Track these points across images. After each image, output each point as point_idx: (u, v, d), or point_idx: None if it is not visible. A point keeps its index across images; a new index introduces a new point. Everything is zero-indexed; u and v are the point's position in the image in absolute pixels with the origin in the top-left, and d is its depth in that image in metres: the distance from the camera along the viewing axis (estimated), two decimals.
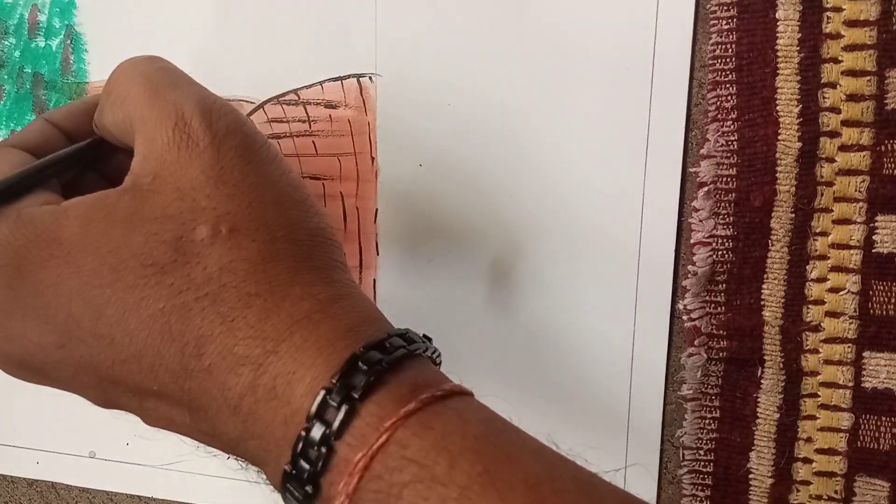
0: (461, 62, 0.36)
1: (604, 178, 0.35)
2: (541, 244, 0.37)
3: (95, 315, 0.24)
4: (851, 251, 0.33)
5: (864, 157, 0.32)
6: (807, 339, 0.34)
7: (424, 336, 0.26)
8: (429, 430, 0.21)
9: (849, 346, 0.34)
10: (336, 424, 0.22)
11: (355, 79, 0.38)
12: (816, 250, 0.33)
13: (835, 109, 0.32)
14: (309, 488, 0.22)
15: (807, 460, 0.35)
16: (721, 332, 0.35)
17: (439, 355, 0.26)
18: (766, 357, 0.35)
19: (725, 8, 0.33)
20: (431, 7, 0.36)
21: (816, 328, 0.34)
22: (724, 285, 0.35)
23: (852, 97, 0.32)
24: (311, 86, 0.38)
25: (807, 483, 0.35)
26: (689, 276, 0.35)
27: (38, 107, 0.42)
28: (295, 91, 0.38)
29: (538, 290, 0.37)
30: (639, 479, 0.37)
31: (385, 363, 0.23)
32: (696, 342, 0.35)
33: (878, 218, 0.33)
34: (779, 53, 0.32)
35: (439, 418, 0.22)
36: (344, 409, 0.22)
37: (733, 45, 0.33)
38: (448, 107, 0.37)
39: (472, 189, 0.37)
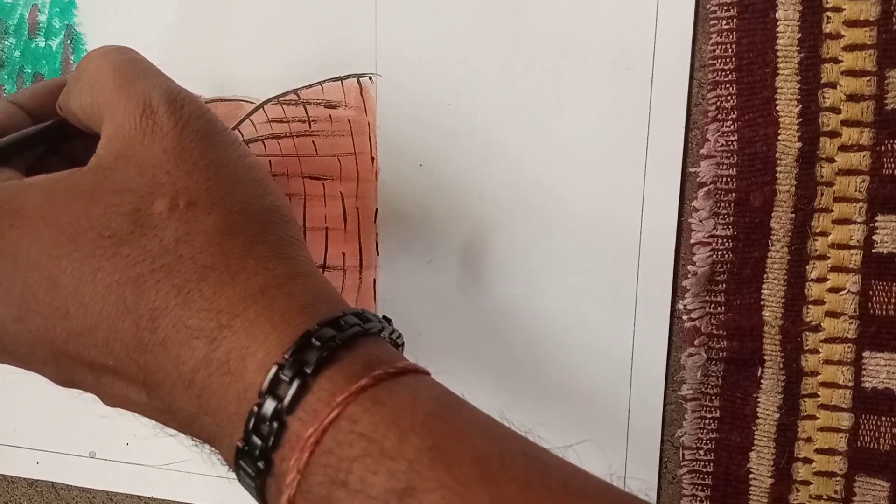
0: (461, 62, 0.36)
1: (604, 178, 0.35)
2: (541, 244, 0.37)
3: (51, 286, 0.25)
4: (851, 251, 0.33)
5: (864, 157, 0.32)
6: (807, 339, 0.34)
7: (384, 317, 0.26)
8: (380, 405, 0.22)
9: (849, 346, 0.34)
10: (288, 399, 0.22)
11: (355, 79, 0.38)
12: (816, 250, 0.33)
13: (835, 109, 0.32)
14: (261, 464, 0.22)
15: (807, 460, 0.35)
16: (721, 332, 0.35)
17: (400, 336, 0.26)
18: (766, 357, 0.35)
19: (725, 8, 0.33)
20: (431, 7, 0.36)
21: (816, 328, 0.34)
22: (724, 285, 0.35)
23: (852, 97, 0.32)
24: (311, 86, 0.38)
25: (807, 483, 0.35)
26: (689, 276, 0.35)
27: None
28: (295, 91, 0.38)
29: (538, 290, 0.37)
30: (639, 479, 0.37)
31: (338, 340, 0.23)
32: (696, 342, 0.35)
33: (878, 218, 0.33)
34: (779, 53, 0.32)
35: (391, 394, 0.22)
36: (296, 384, 0.22)
37: (733, 45, 0.33)
38: (448, 107, 0.37)
39: (472, 189, 0.37)
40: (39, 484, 0.46)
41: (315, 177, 0.39)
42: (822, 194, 0.33)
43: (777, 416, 0.35)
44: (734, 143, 0.33)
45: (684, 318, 0.35)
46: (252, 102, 0.39)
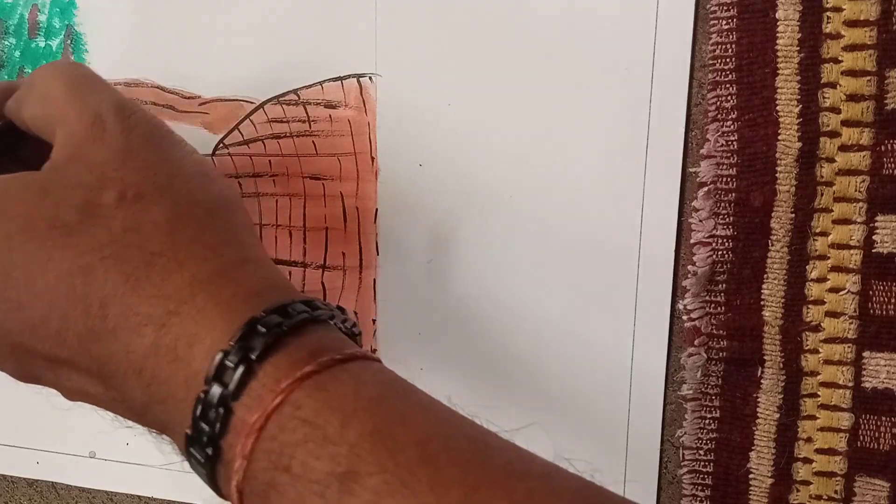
0: (461, 62, 0.36)
1: (604, 178, 0.35)
2: (541, 244, 0.37)
3: (3, 278, 0.25)
4: (851, 251, 0.33)
5: (864, 157, 0.32)
6: (807, 339, 0.34)
7: (338, 307, 0.26)
8: (323, 391, 0.22)
9: (849, 346, 0.34)
10: (233, 385, 0.22)
11: (355, 79, 0.38)
12: (816, 250, 0.33)
13: (835, 109, 0.32)
14: (209, 450, 0.22)
15: (807, 460, 0.35)
16: (721, 332, 0.35)
17: (355, 325, 0.26)
18: (766, 357, 0.35)
19: (725, 8, 0.33)
20: (431, 7, 0.36)
21: (816, 328, 0.34)
22: (724, 285, 0.35)
23: (852, 97, 0.32)
24: (311, 86, 0.38)
25: (807, 483, 0.35)
26: (689, 276, 0.35)
27: None
28: (295, 91, 0.38)
29: (538, 290, 0.37)
30: (639, 479, 0.37)
31: (285, 326, 0.23)
32: (696, 342, 0.35)
33: (878, 218, 0.33)
34: (779, 53, 0.32)
35: (335, 380, 0.22)
36: (241, 369, 0.22)
37: (733, 45, 0.33)
38: (448, 107, 0.37)
39: (472, 189, 0.37)
40: (39, 484, 0.46)
41: (315, 177, 0.39)
42: (822, 194, 0.33)
43: (777, 416, 0.35)
44: (734, 143, 0.33)
45: (684, 318, 0.35)
46: (252, 102, 0.39)
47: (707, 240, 0.34)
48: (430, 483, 0.20)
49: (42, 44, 0.42)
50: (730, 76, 0.33)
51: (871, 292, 0.33)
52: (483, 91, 0.36)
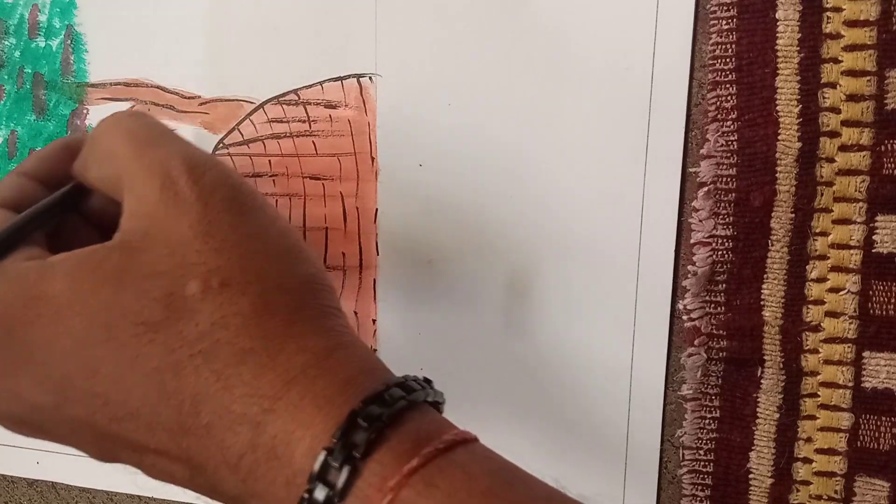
0: (461, 62, 0.36)
1: (604, 178, 0.35)
2: (540, 244, 0.37)
3: (90, 374, 0.24)
4: (851, 251, 0.33)
5: (863, 157, 0.32)
6: (807, 339, 0.34)
7: (425, 379, 0.25)
8: (433, 487, 0.21)
9: (849, 346, 0.34)
10: (339, 486, 0.21)
11: (355, 79, 0.38)
12: (816, 250, 0.33)
13: (835, 109, 0.32)
14: None
15: (807, 460, 0.35)
16: (721, 332, 0.35)
17: (441, 396, 0.26)
18: (766, 357, 0.35)
19: (725, 8, 0.33)
20: (431, 7, 0.36)
21: (816, 328, 0.34)
22: (724, 285, 0.35)
23: (852, 97, 0.32)
24: (311, 86, 0.38)
25: (807, 483, 0.35)
26: (689, 276, 0.35)
27: (37, 107, 0.42)
28: (295, 91, 0.38)
29: (538, 290, 0.37)
30: (639, 479, 0.37)
31: (385, 417, 0.22)
32: (696, 342, 0.35)
33: (878, 218, 0.33)
34: (779, 53, 0.32)
35: (443, 474, 0.22)
36: (346, 469, 0.21)
37: (733, 45, 0.33)
38: (448, 107, 0.37)
39: (472, 189, 0.37)
40: (39, 484, 0.46)
41: (315, 177, 0.39)
42: (822, 194, 0.33)
43: (777, 416, 0.35)
44: (734, 143, 0.33)
45: (684, 318, 0.35)
46: (252, 102, 0.39)
47: (707, 240, 0.34)
48: None
49: (42, 44, 0.42)
50: (730, 76, 0.33)
51: (870, 292, 0.33)
52: (483, 91, 0.36)
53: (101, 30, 0.41)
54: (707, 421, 0.36)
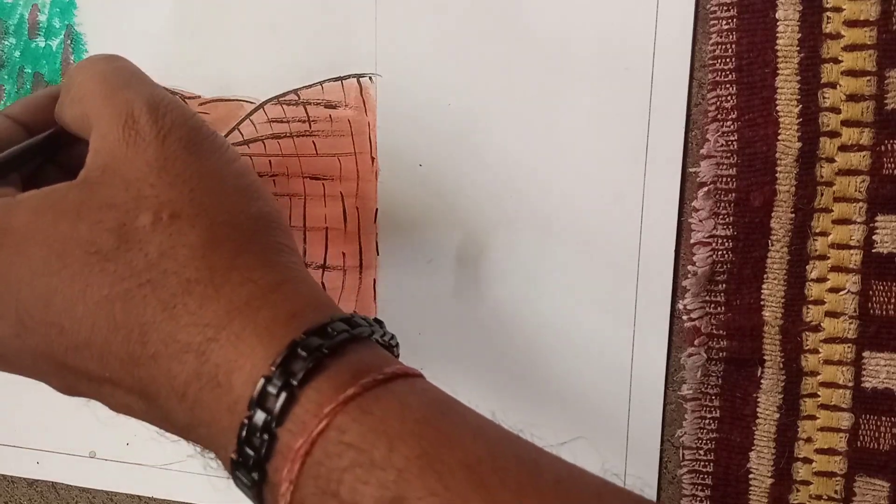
0: (461, 62, 0.36)
1: (604, 178, 0.35)
2: (541, 244, 0.37)
3: (45, 304, 0.25)
4: (851, 251, 0.33)
5: (864, 157, 0.32)
6: (807, 339, 0.34)
7: (376, 320, 0.26)
8: (368, 414, 0.22)
9: (849, 346, 0.34)
10: (276, 411, 0.22)
11: (355, 79, 0.38)
12: (816, 250, 0.33)
13: (835, 109, 0.32)
14: (255, 475, 0.22)
15: (807, 460, 0.35)
16: (721, 332, 0.35)
17: (393, 338, 0.26)
18: (766, 357, 0.35)
19: (725, 8, 0.33)
20: (431, 7, 0.36)
21: (816, 328, 0.34)
22: (724, 285, 0.35)
23: (852, 97, 0.32)
24: (311, 86, 0.38)
25: (807, 483, 0.35)
26: (689, 276, 0.35)
27: None
28: (295, 91, 0.38)
29: (538, 290, 0.37)
30: (639, 479, 0.37)
31: (325, 348, 0.23)
32: (696, 342, 0.35)
33: (878, 218, 0.33)
34: (779, 53, 0.32)
35: (379, 402, 0.22)
36: (283, 396, 0.22)
37: (733, 45, 0.33)
38: (448, 107, 0.37)
39: (472, 189, 0.37)
40: (39, 484, 0.46)
41: (315, 177, 0.39)
42: (822, 194, 0.33)
43: (777, 416, 0.35)
44: (734, 143, 0.33)
45: (684, 318, 0.35)
46: (252, 102, 0.39)
47: (707, 240, 0.34)
48: None
49: (42, 44, 0.42)
50: (730, 76, 0.33)
51: (871, 292, 0.33)
52: (483, 91, 0.36)
53: (101, 30, 0.41)
54: (707, 421, 0.36)
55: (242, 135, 0.39)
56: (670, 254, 0.35)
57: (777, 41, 0.32)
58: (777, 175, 0.33)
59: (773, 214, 0.34)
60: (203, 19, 0.39)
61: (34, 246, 0.25)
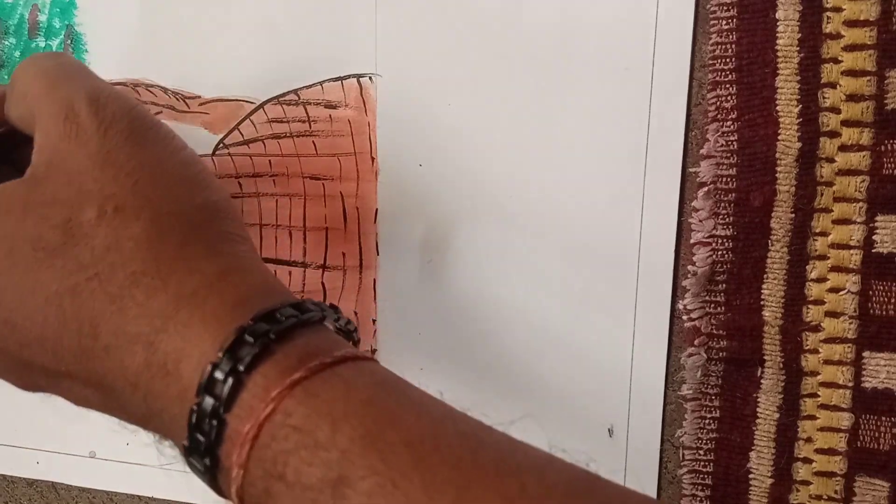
0: (461, 62, 0.36)
1: (604, 178, 0.35)
2: (541, 244, 0.37)
3: None
4: (851, 251, 0.33)
5: (863, 157, 0.32)
6: (807, 339, 0.34)
7: (331, 305, 0.26)
8: (313, 397, 0.22)
9: (849, 346, 0.34)
10: (224, 397, 0.22)
11: (355, 79, 0.38)
12: (816, 250, 0.33)
13: (835, 109, 0.32)
14: (207, 460, 0.23)
15: (807, 460, 0.35)
16: (721, 332, 0.35)
17: (349, 323, 0.26)
18: (766, 357, 0.35)
19: (725, 8, 0.33)
20: (431, 7, 0.36)
21: (816, 328, 0.34)
22: (723, 285, 0.35)
23: (852, 97, 0.32)
24: (311, 86, 0.38)
25: (807, 483, 0.35)
26: (689, 276, 0.35)
27: None
28: (295, 91, 0.38)
29: (538, 290, 0.37)
30: (639, 479, 0.37)
31: (273, 334, 0.23)
32: (696, 342, 0.35)
33: (878, 218, 0.33)
34: (779, 53, 0.32)
35: (325, 385, 0.22)
36: (230, 381, 0.22)
37: (733, 45, 0.33)
38: (448, 107, 0.37)
39: (472, 189, 0.37)
40: (39, 484, 0.46)
41: (315, 177, 0.39)
42: (822, 194, 0.33)
43: (777, 416, 0.35)
44: (734, 143, 0.33)
45: (684, 318, 0.35)
46: (252, 102, 0.39)
47: (707, 240, 0.34)
48: (423, 484, 0.20)
49: (42, 44, 0.42)
50: (730, 76, 0.33)
51: (870, 292, 0.33)
52: (483, 91, 0.36)
53: (101, 30, 0.41)
54: (707, 421, 0.36)
55: (242, 135, 0.39)
56: (670, 254, 0.35)
57: (777, 41, 0.32)
58: (777, 175, 0.33)
59: (773, 214, 0.34)
60: (203, 19, 0.39)
61: None
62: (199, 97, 0.40)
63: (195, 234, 0.26)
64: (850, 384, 0.34)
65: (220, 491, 0.24)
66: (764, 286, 0.34)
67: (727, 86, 0.33)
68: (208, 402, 0.22)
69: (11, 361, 0.26)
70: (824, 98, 0.32)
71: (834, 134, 0.32)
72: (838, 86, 0.32)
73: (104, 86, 0.27)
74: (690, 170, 0.35)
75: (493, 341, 0.38)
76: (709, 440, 0.36)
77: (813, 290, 0.34)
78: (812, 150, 0.33)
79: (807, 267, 0.34)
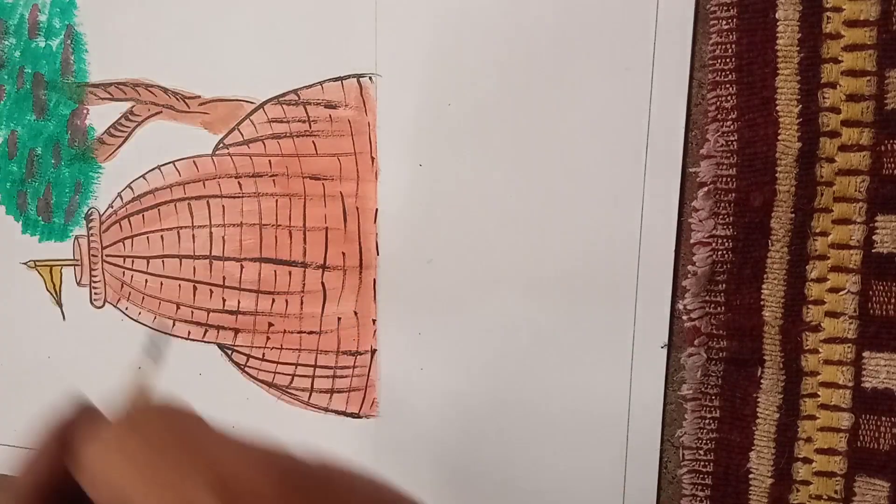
0: (461, 62, 0.36)
1: (604, 178, 0.35)
2: (541, 244, 0.37)
3: None
4: (851, 251, 0.33)
5: (863, 157, 0.32)
6: (807, 339, 0.34)
7: None
8: None
9: (849, 346, 0.34)
10: None
11: (355, 79, 0.38)
12: (816, 250, 0.33)
13: (835, 109, 0.32)
14: None
15: (807, 460, 0.35)
16: (721, 332, 0.35)
17: None
18: (766, 357, 0.35)
19: (725, 8, 0.33)
20: (431, 7, 0.36)
21: (816, 328, 0.34)
22: (724, 285, 0.35)
23: (852, 97, 0.32)
24: (311, 86, 0.38)
25: (807, 483, 0.35)
26: (689, 276, 0.35)
27: (37, 107, 0.42)
28: (295, 91, 0.38)
29: (538, 290, 0.37)
30: (639, 479, 0.37)
31: None
32: (696, 342, 0.35)
33: (878, 218, 0.33)
34: (779, 53, 0.32)
35: None
36: None
37: (733, 45, 0.33)
38: (448, 107, 0.37)
39: (472, 189, 0.37)
40: None
41: (315, 177, 0.39)
42: (822, 194, 0.33)
43: (777, 416, 0.35)
44: (734, 143, 0.33)
45: (684, 318, 0.35)
46: (252, 102, 0.39)
47: (707, 240, 0.34)
48: None
49: (42, 44, 0.42)
50: (730, 76, 0.33)
51: (871, 292, 0.33)
52: (483, 91, 0.36)
53: (101, 30, 0.41)
54: (707, 421, 0.36)
55: (242, 135, 0.39)
56: (670, 254, 0.35)
57: (777, 41, 0.32)
58: (777, 175, 0.33)
59: (773, 214, 0.34)
60: (203, 19, 0.39)
61: None
62: (199, 97, 0.40)
63: None
64: (850, 384, 0.34)
65: None
66: (764, 286, 0.34)
67: (727, 86, 0.33)
68: None
69: None
70: (824, 98, 0.32)
71: (834, 134, 0.32)
72: (838, 86, 0.32)
73: (229, 466, 0.21)
74: (690, 170, 0.35)
75: (492, 341, 0.38)
76: (709, 440, 0.36)
77: (813, 290, 0.34)
78: (812, 150, 0.33)
79: (807, 267, 0.34)
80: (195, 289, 0.42)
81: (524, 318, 0.37)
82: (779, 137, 0.33)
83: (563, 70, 0.35)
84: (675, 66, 0.34)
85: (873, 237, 0.33)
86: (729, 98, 0.33)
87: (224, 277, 0.41)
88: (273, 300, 0.41)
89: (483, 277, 0.37)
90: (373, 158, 0.38)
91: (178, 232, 0.41)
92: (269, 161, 0.39)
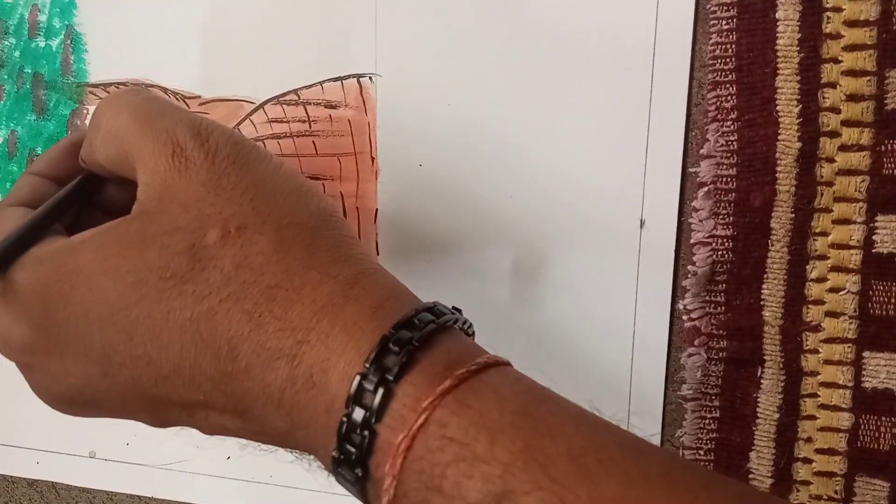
0: (461, 62, 0.36)
1: (604, 178, 0.35)
2: (541, 244, 0.37)
3: (128, 337, 0.25)
4: (851, 251, 0.33)
5: (863, 157, 0.32)
6: (807, 339, 0.34)
7: (454, 308, 0.26)
8: (466, 407, 0.22)
9: (849, 346, 0.34)
10: (375, 408, 0.22)
11: (355, 79, 0.38)
12: (816, 250, 0.33)
13: (835, 109, 0.32)
14: (358, 471, 0.22)
15: (807, 460, 0.35)
16: (721, 332, 0.35)
17: (471, 326, 0.26)
18: (766, 357, 0.35)
19: (725, 8, 0.33)
20: (431, 7, 0.36)
21: (816, 328, 0.34)
22: (724, 285, 0.35)
23: (852, 97, 0.32)
24: (311, 86, 0.38)
25: (807, 483, 0.35)
26: (689, 276, 0.35)
27: (38, 107, 0.42)
28: (295, 91, 0.38)
29: (538, 290, 0.37)
30: None
31: (416, 341, 0.23)
32: (696, 342, 0.35)
33: (878, 218, 0.33)
34: (779, 53, 0.32)
35: (476, 395, 0.22)
36: (380, 392, 0.22)
37: (733, 45, 0.33)
38: (448, 107, 0.37)
39: (472, 189, 0.37)
40: (39, 484, 0.46)
41: (315, 177, 0.39)
42: (822, 194, 0.33)
43: (777, 416, 0.35)
44: (734, 143, 0.33)
45: (684, 318, 0.35)
46: (252, 102, 0.39)
47: (707, 240, 0.34)
48: (590, 499, 0.20)
49: (42, 44, 0.42)
50: (730, 76, 0.33)
51: (870, 292, 0.33)
52: (483, 91, 0.36)
53: (101, 30, 0.41)
54: (707, 421, 0.36)
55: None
56: (670, 254, 0.35)
57: (777, 41, 0.32)
58: (777, 175, 0.33)
59: (773, 214, 0.34)
60: (203, 19, 0.39)
61: (106, 282, 0.25)
62: (199, 97, 0.40)
63: (317, 241, 0.25)
64: (850, 384, 0.34)
65: (367, 501, 0.23)
66: (764, 286, 0.34)
67: (727, 86, 0.33)
68: (358, 412, 0.22)
69: (145, 399, 0.26)
70: (824, 98, 0.32)
71: (834, 134, 0.32)
72: (838, 86, 0.32)
73: (199, 117, 0.28)
74: (690, 170, 0.35)
75: (491, 339, 0.38)
76: (709, 440, 0.36)
77: (813, 290, 0.34)
78: (812, 150, 0.33)
79: (807, 267, 0.34)
80: None
81: (524, 318, 0.37)
82: (779, 137, 0.33)
83: (563, 70, 0.35)
84: (674, 66, 0.34)
85: (873, 237, 0.33)
86: (729, 98, 0.33)
87: None
88: None
89: (482, 276, 0.37)
90: (373, 158, 0.38)
91: None
92: None
